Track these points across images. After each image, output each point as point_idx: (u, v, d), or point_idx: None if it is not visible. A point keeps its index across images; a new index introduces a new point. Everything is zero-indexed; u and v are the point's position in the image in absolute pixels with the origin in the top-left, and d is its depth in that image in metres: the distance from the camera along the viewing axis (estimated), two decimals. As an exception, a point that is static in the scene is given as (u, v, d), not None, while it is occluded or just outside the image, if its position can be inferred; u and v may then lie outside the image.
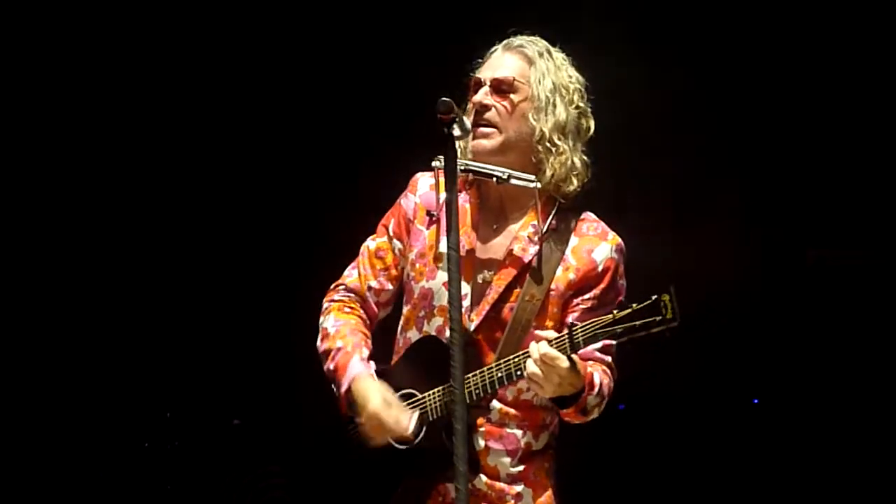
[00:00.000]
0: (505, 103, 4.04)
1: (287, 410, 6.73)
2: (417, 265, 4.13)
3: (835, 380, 6.53)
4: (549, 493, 4.08)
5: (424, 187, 4.20)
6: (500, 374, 3.91)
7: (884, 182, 6.41)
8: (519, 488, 4.06)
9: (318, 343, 4.19)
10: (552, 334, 3.82)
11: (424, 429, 3.99)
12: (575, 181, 4.04)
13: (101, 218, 6.76)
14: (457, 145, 3.83)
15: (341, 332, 4.15)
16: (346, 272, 4.27)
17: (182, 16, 6.54)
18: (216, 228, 6.80)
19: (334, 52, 6.62)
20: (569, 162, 4.02)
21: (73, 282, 6.78)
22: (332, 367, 4.12)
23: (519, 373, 3.86)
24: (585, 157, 4.07)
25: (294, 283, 6.63)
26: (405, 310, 4.18)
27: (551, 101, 4.03)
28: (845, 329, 6.51)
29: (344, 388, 4.07)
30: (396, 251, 4.20)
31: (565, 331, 3.79)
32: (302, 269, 6.59)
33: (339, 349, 4.12)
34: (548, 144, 4.02)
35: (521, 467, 4.05)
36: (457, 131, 3.82)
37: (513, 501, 4.05)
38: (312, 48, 6.65)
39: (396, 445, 4.02)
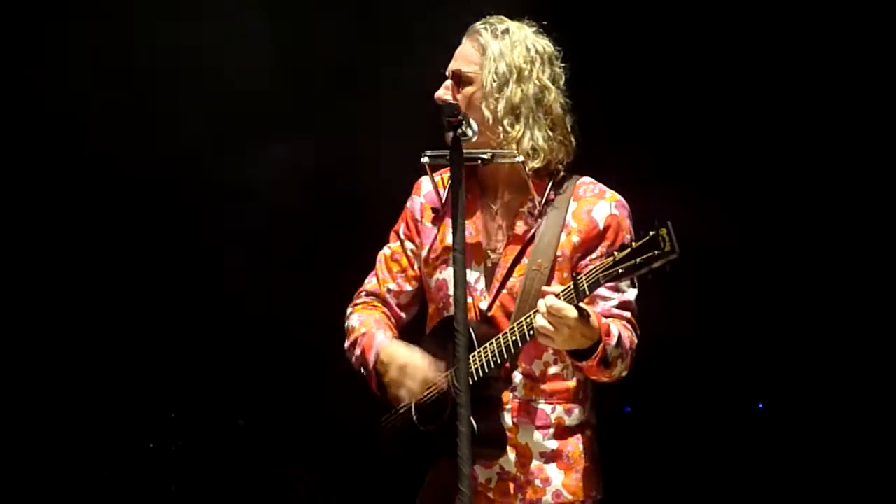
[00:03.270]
0: (459, 95, 4.10)
1: (293, 411, 6.74)
2: (430, 261, 4.23)
3: (840, 384, 6.53)
4: (579, 476, 4.10)
5: (428, 187, 4.30)
6: (514, 338, 3.94)
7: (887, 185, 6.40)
8: (549, 469, 4.08)
9: (346, 343, 4.28)
10: (558, 288, 3.85)
11: (449, 409, 4.01)
12: (540, 157, 4.07)
13: (104, 219, 6.76)
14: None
15: (365, 322, 4.25)
16: (365, 280, 4.38)
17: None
18: (220, 227, 6.79)
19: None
20: (526, 140, 4.06)
21: (77, 282, 6.77)
22: (358, 352, 4.21)
23: (531, 332, 3.88)
24: (551, 133, 4.09)
25: (299, 282, 6.65)
26: (430, 308, 4.26)
27: (502, 85, 4.07)
28: (851, 332, 6.50)
29: (372, 362, 4.15)
30: (409, 252, 4.30)
31: (570, 282, 3.82)
32: (308, 269, 6.61)
33: (363, 334, 4.21)
34: (499, 129, 4.07)
35: (554, 444, 4.08)
36: (466, 134, 3.87)
37: (540, 484, 4.08)
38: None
39: (422, 428, 4.07)
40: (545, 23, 4.19)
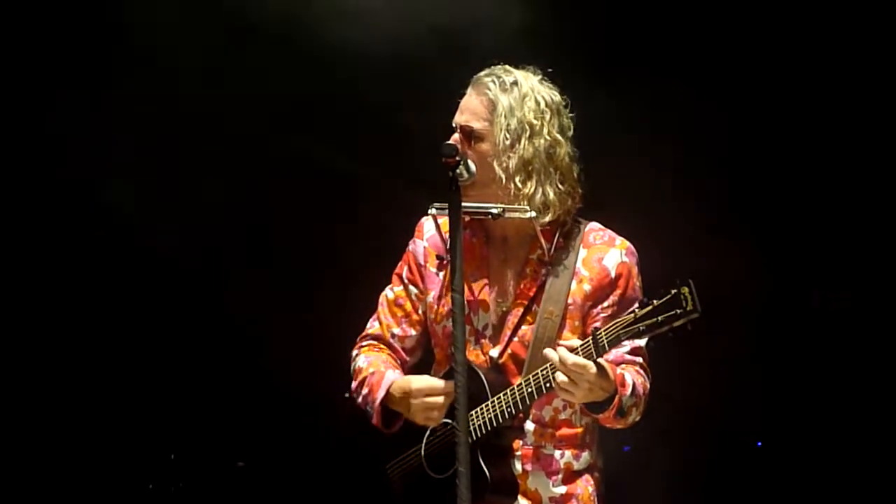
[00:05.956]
0: (470, 152, 4.05)
1: (293, 453, 6.73)
2: (436, 307, 4.20)
3: (838, 421, 6.53)
4: None
5: (431, 230, 4.27)
6: (529, 390, 3.96)
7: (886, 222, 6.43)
8: None
9: (353, 384, 4.25)
10: (577, 342, 3.85)
11: None
12: (550, 214, 4.06)
13: (106, 261, 6.77)
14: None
15: (373, 362, 4.23)
16: (368, 324, 4.34)
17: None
18: (220, 269, 6.80)
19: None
20: (538, 196, 4.04)
21: (79, 321, 6.78)
22: (366, 391, 4.18)
23: (548, 385, 3.89)
24: (562, 186, 4.08)
25: (300, 326, 6.65)
26: (436, 352, 4.26)
27: (514, 142, 4.04)
28: (848, 371, 6.51)
29: (380, 398, 4.12)
30: (414, 297, 4.27)
31: (589, 337, 3.82)
32: (309, 313, 6.62)
33: (371, 373, 4.19)
34: (512, 186, 4.05)
35: (563, 489, 4.10)
36: (463, 175, 3.90)
37: None
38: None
39: (434, 475, 4.08)
40: (550, 69, 4.17)
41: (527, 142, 4.04)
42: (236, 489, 6.89)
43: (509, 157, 4.04)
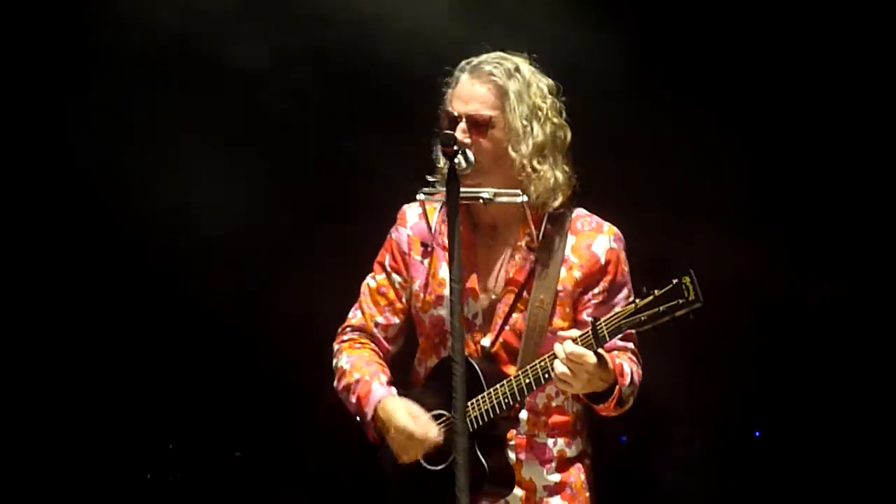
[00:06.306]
0: (483, 140, 4.01)
1: (290, 442, 6.74)
2: (422, 296, 4.15)
3: (836, 411, 6.54)
4: None
5: (414, 218, 4.23)
6: (527, 381, 3.93)
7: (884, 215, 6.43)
8: (554, 502, 4.07)
9: (336, 383, 4.20)
10: (576, 332, 3.84)
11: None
12: (560, 196, 4.05)
13: (106, 252, 6.78)
14: (440, 172, 3.97)
15: (356, 365, 4.17)
16: (350, 314, 4.28)
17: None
18: (220, 262, 6.80)
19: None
20: (551, 181, 4.03)
21: (76, 313, 6.78)
22: (354, 399, 4.13)
23: (546, 375, 3.87)
24: (567, 168, 4.07)
25: (296, 314, 6.66)
26: (420, 341, 4.21)
27: (528, 128, 4.02)
28: (846, 362, 6.52)
29: (370, 415, 4.08)
30: (397, 285, 4.21)
31: (588, 327, 3.81)
32: (303, 301, 6.62)
33: (357, 381, 4.13)
34: (528, 170, 4.02)
35: (557, 476, 4.08)
36: (461, 164, 3.87)
37: None
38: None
39: (429, 467, 4.04)
40: (535, 55, 4.13)
41: (538, 126, 4.02)
42: (234, 479, 6.90)
43: (525, 143, 4.00)
